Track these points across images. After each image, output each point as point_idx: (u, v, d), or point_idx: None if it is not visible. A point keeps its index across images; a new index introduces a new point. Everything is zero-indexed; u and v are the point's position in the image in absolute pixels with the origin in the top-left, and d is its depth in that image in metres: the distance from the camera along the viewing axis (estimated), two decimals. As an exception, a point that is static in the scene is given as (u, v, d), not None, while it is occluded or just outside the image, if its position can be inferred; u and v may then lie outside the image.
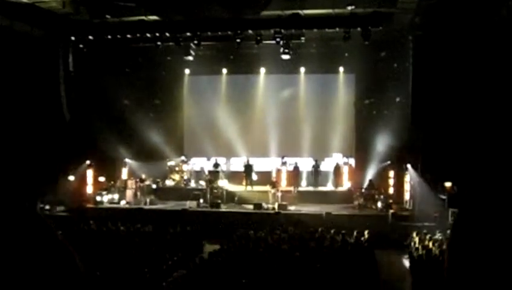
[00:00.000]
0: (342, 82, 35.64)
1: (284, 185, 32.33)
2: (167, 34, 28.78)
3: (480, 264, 1.92)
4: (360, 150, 34.01)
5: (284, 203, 29.35)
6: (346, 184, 32.90)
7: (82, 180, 31.50)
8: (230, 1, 24.17)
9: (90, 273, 14.76)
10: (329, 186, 33.50)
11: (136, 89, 34.38)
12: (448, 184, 26.36)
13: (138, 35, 28.64)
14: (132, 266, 17.53)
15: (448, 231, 18.92)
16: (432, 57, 26.32)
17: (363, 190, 30.52)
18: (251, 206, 29.63)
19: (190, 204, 29.73)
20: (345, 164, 33.70)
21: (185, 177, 34.56)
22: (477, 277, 1.92)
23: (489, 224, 1.94)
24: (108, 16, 27.00)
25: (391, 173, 31.01)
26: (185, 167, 34.99)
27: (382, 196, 29.64)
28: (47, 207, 28.82)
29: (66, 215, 28.32)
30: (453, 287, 2.00)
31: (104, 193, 31.34)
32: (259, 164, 34.51)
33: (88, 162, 31.57)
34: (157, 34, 28.69)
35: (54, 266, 2.00)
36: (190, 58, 31.16)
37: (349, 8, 25.01)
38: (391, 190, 30.76)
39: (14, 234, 1.95)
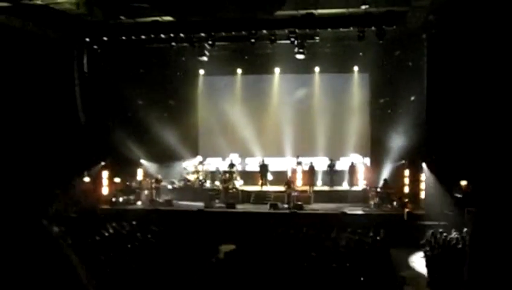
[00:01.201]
0: (357, 81, 35.63)
1: (299, 184, 32.33)
2: (181, 35, 28.79)
3: (502, 261, 1.92)
4: (375, 149, 33.99)
5: (299, 203, 29.36)
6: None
7: (97, 181, 31.59)
8: (245, 1, 24.17)
9: (101, 274, 14.82)
10: (344, 186, 33.47)
11: (151, 90, 34.40)
12: (463, 183, 26.28)
13: (152, 36, 28.67)
14: (147, 267, 17.55)
15: (465, 230, 18.81)
16: (446, 55, 26.25)
17: (378, 189, 30.42)
18: (267, 206, 29.65)
19: (205, 204, 29.76)
20: (360, 163, 33.66)
21: (201, 177, 34.58)
22: (500, 273, 1.92)
23: (509, 222, 1.93)
24: (122, 17, 27.04)
25: (406, 172, 30.86)
26: (200, 167, 35.02)
27: (397, 195, 29.57)
28: (62, 208, 28.88)
29: (81, 216, 28.35)
30: (474, 285, 2.00)
31: (120, 193, 31.42)
32: (275, 164, 34.56)
33: (103, 163, 31.65)
34: (172, 35, 28.71)
35: (54, 275, 2.01)
36: (204, 58, 31.09)
37: (363, 7, 24.94)
38: (406, 189, 30.61)
39: (18, 243, 1.96)
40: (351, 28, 27.52)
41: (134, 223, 26.00)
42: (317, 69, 35.34)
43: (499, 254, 1.97)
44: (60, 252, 2.11)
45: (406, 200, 29.24)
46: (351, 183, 33.07)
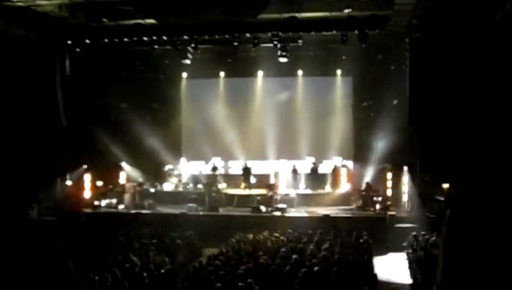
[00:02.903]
0: (340, 85, 35.70)
1: (282, 187, 32.32)
2: (164, 38, 28.67)
3: (475, 261, 1.91)
4: (358, 152, 34.09)
5: (282, 206, 29.32)
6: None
7: (79, 184, 31.44)
8: (228, 4, 24.15)
9: (85, 277, 14.75)
10: (327, 189, 33.47)
11: (134, 93, 34.31)
12: (446, 185, 26.38)
13: (135, 38, 28.51)
14: (130, 270, 17.49)
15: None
16: (429, 59, 26.32)
17: (361, 192, 30.47)
18: (249, 210, 29.60)
19: (188, 208, 29.67)
20: (343, 166, 33.71)
21: (183, 180, 34.51)
22: (472, 274, 1.91)
23: (484, 223, 1.93)
24: (105, 20, 26.89)
25: (389, 175, 30.96)
26: (183, 170, 34.95)
27: (380, 198, 29.63)
28: (43, 212, 28.72)
29: (62, 220, 28.22)
30: (448, 285, 1.99)
31: (102, 197, 31.28)
32: (258, 167, 34.52)
33: (85, 166, 31.51)
34: (154, 38, 28.56)
35: (46, 269, 1.99)
36: (187, 61, 31.08)
37: (346, 11, 24.93)
38: (389, 192, 30.71)
39: (7, 239, 1.94)
40: (334, 32, 27.55)
41: (116, 226, 25.94)
42: (300, 72, 35.39)
43: (473, 256, 1.96)
44: (51, 246, 2.11)
45: (389, 203, 29.31)
46: (334, 186, 33.12)
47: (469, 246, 2.00)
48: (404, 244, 24.08)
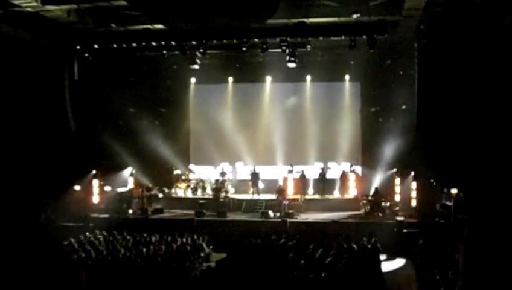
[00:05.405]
0: (348, 90, 35.65)
1: (290, 193, 32.30)
2: (173, 43, 28.67)
3: (496, 268, 1.91)
4: (367, 157, 34.04)
5: (290, 211, 29.32)
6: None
7: (88, 189, 31.44)
8: (236, 10, 24.15)
9: (93, 283, 14.77)
10: (335, 194, 33.46)
11: (142, 98, 34.37)
12: (454, 191, 26.33)
13: (143, 44, 28.50)
14: (139, 275, 17.50)
15: (454, 238, 18.79)
16: (437, 64, 26.33)
17: (369, 197, 30.42)
18: (258, 215, 29.60)
19: (196, 213, 29.68)
20: (352, 171, 33.65)
21: (192, 185, 34.47)
22: (495, 281, 1.91)
23: (503, 229, 1.92)
24: (113, 25, 26.97)
25: (397, 180, 30.94)
26: (191, 176, 34.93)
27: (388, 203, 29.60)
28: (53, 217, 28.72)
29: (71, 225, 28.25)
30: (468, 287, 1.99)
31: (110, 202, 31.27)
32: (266, 172, 34.51)
33: (94, 171, 31.51)
34: (163, 43, 28.57)
35: (56, 276, 2.00)
36: (196, 66, 31.08)
37: (355, 16, 24.96)
38: (397, 197, 30.68)
39: (17, 244, 1.95)
40: (343, 37, 27.47)
41: (124, 231, 25.94)
42: (308, 77, 35.41)
43: (495, 261, 1.96)
44: (61, 251, 2.12)
45: (397, 208, 29.31)
46: (342, 192, 33.10)
47: (490, 251, 2.00)
48: (413, 249, 24.00)
